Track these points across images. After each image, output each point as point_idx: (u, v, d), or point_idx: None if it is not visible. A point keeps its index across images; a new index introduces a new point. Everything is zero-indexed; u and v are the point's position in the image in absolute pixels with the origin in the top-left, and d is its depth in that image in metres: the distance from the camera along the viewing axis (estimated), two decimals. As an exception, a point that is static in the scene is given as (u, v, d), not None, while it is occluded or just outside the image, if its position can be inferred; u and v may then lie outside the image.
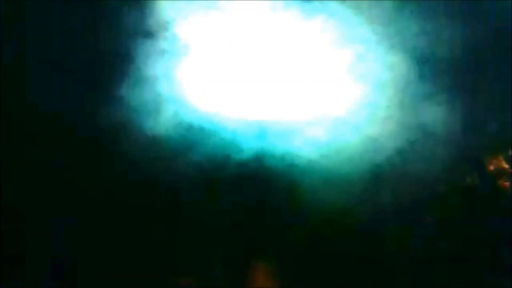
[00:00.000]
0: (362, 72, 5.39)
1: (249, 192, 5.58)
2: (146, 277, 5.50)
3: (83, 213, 5.49)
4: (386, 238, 5.55)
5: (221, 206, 5.60)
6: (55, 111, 5.43)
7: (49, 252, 5.53)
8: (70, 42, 5.43)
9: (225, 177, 5.50)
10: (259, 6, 5.41)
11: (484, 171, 5.66)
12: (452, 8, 5.40)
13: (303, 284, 5.57)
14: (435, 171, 5.43)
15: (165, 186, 5.52)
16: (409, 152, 5.37)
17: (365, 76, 5.38)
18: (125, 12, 5.37)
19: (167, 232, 5.57)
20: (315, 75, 5.42)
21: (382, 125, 5.37)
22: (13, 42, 5.47)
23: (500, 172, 5.65)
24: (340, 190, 5.34)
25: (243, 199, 5.61)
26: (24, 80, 5.47)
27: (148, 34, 5.42)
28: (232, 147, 5.43)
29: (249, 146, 5.44)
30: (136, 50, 5.38)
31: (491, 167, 5.66)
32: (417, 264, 5.48)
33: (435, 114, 5.34)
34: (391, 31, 5.33)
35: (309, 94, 5.43)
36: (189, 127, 5.41)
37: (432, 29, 5.32)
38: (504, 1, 5.51)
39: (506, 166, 5.65)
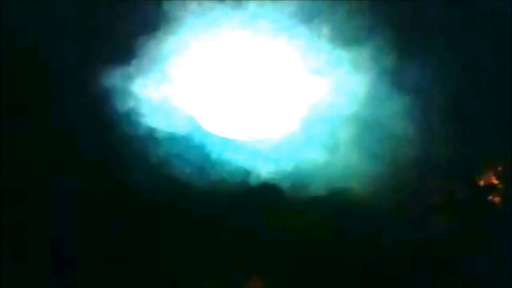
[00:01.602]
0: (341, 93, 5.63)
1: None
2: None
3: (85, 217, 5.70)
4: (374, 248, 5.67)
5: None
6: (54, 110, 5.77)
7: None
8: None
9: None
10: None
11: (474, 187, 5.74)
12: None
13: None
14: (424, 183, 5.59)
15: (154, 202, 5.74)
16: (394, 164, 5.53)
17: (344, 92, 5.62)
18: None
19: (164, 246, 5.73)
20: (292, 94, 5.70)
21: (368, 138, 5.58)
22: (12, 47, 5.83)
23: (490, 188, 5.72)
24: (333, 199, 5.55)
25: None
26: (24, 81, 5.80)
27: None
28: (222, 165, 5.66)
29: (235, 163, 5.66)
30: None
31: (481, 183, 5.74)
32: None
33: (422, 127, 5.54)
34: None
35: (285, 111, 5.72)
36: (175, 141, 5.66)
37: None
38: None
39: (496, 181, 5.73)
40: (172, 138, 5.65)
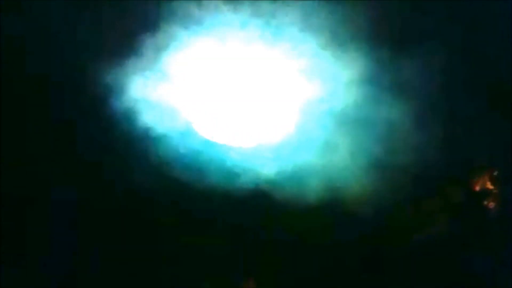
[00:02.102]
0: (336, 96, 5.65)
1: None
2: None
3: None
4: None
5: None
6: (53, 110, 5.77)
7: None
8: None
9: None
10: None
11: (469, 192, 5.82)
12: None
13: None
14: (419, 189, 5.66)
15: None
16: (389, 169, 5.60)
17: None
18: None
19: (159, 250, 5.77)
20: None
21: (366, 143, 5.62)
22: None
23: (485, 193, 5.80)
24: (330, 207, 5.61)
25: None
26: (25, 83, 5.78)
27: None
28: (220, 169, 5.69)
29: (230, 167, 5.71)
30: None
31: (477, 188, 5.80)
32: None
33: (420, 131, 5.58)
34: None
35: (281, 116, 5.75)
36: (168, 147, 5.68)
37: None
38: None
39: (491, 186, 5.80)
40: (168, 140, 5.65)
